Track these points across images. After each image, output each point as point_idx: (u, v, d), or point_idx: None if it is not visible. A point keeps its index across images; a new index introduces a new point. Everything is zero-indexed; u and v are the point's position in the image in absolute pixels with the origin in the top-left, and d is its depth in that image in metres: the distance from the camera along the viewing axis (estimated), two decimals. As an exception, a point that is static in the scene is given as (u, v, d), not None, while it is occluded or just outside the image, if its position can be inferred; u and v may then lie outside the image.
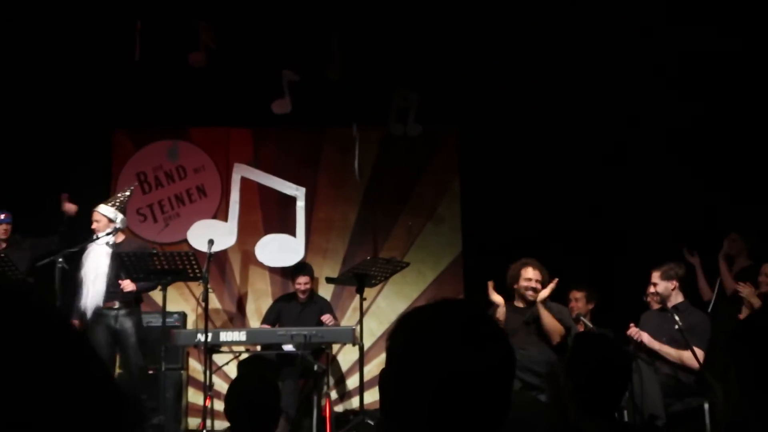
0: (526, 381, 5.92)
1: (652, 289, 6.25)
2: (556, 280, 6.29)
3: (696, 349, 5.77)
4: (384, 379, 1.44)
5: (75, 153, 7.93)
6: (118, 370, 6.90)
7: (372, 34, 7.66)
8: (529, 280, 6.37)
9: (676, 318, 5.83)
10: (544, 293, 6.28)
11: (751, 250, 7.17)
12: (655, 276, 6.20)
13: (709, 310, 6.87)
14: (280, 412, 3.41)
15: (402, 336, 1.43)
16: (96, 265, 6.66)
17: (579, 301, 7.31)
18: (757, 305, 6.32)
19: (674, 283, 6.17)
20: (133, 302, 6.79)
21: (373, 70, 7.84)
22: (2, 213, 7.36)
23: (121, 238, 6.89)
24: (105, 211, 6.80)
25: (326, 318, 7.49)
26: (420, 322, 1.44)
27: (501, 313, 6.30)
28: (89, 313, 6.62)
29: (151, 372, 6.93)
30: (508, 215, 7.88)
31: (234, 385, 3.40)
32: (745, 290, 6.52)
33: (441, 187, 8.67)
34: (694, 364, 5.79)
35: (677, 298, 6.19)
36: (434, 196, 8.65)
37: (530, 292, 6.37)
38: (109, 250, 6.71)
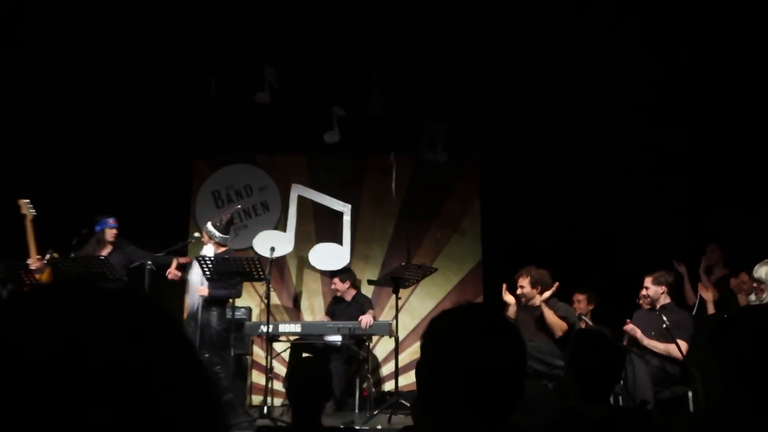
0: (534, 368, 5.77)
1: (644, 292, 6.21)
2: (557, 284, 6.22)
3: (680, 342, 5.74)
4: (419, 369, 1.50)
5: (162, 174, 8.05)
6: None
7: (405, 76, 7.72)
8: (521, 287, 6.29)
9: (664, 318, 5.81)
10: (545, 295, 6.18)
11: (727, 259, 7.09)
12: (648, 281, 6.19)
13: (693, 312, 6.80)
14: (332, 392, 3.44)
15: (433, 334, 1.49)
16: (196, 273, 6.78)
17: (581, 302, 7.26)
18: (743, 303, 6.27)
19: (663, 288, 6.16)
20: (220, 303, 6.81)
21: (407, 106, 7.87)
22: (112, 218, 7.18)
23: (221, 250, 6.94)
24: (207, 228, 6.98)
25: (364, 319, 7.27)
26: (449, 324, 1.49)
27: (512, 311, 6.25)
28: (193, 310, 6.74)
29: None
30: (521, 229, 7.80)
31: (295, 368, 3.40)
32: (708, 295, 6.52)
33: (464, 204, 8.65)
34: (679, 355, 5.76)
35: (665, 300, 6.18)
36: (458, 213, 8.64)
37: (522, 299, 6.30)
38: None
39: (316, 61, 7.57)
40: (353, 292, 7.89)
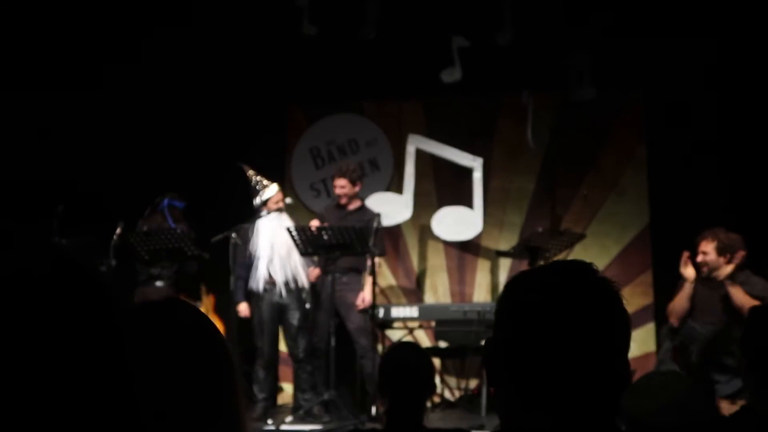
0: (726, 363, 5.29)
1: None
2: (742, 253, 5.41)
3: None
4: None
5: (251, 127, 7.68)
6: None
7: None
8: (704, 254, 5.50)
9: None
10: (728, 269, 5.40)
11: None
12: None
13: None
14: (434, 386, 3.12)
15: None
16: (269, 243, 6.41)
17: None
18: None
19: None
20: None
21: (546, 32, 7.14)
22: (177, 199, 6.98)
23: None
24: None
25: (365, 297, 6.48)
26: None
27: (688, 288, 5.58)
28: (260, 287, 6.35)
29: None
30: (699, 183, 7.01)
31: (387, 358, 3.22)
32: None
33: (624, 155, 7.69)
34: None
35: None
36: (617, 165, 7.67)
37: (704, 269, 5.52)
38: (282, 227, 6.41)
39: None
40: (359, 203, 6.83)
